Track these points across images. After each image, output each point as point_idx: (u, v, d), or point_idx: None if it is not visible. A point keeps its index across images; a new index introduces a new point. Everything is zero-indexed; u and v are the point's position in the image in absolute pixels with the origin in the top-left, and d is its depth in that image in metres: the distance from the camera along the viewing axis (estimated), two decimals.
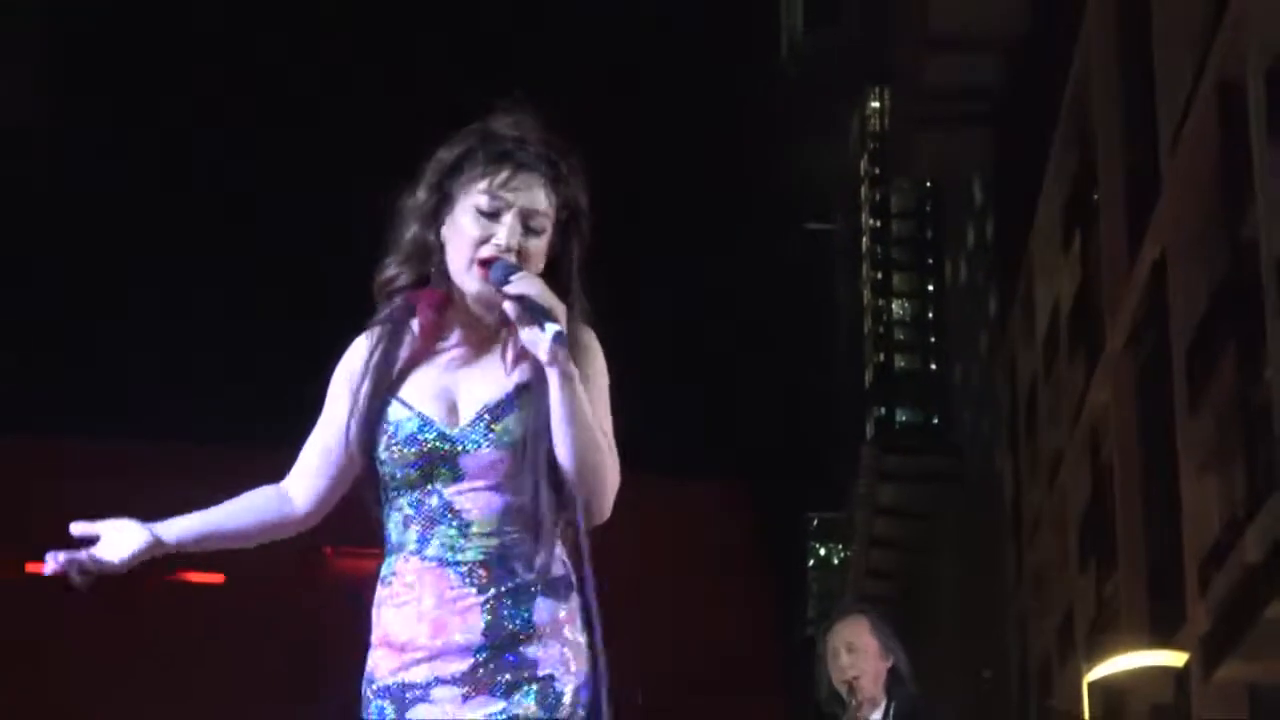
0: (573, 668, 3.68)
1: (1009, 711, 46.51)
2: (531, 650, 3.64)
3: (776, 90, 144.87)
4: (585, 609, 3.65)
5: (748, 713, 13.42)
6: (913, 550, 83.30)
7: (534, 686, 3.62)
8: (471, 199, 3.70)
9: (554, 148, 3.77)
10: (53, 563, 3.49)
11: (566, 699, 3.64)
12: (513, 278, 3.52)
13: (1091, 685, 28.41)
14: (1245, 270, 29.84)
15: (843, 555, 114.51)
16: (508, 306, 3.54)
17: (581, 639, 3.71)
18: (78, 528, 3.53)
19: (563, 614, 3.72)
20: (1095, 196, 41.31)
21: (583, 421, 3.58)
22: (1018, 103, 50.23)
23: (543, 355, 3.49)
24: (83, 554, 3.49)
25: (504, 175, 3.69)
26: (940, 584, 65.93)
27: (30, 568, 15.19)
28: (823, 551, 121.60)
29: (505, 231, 3.64)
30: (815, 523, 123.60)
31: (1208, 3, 32.43)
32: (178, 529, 3.66)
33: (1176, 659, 30.54)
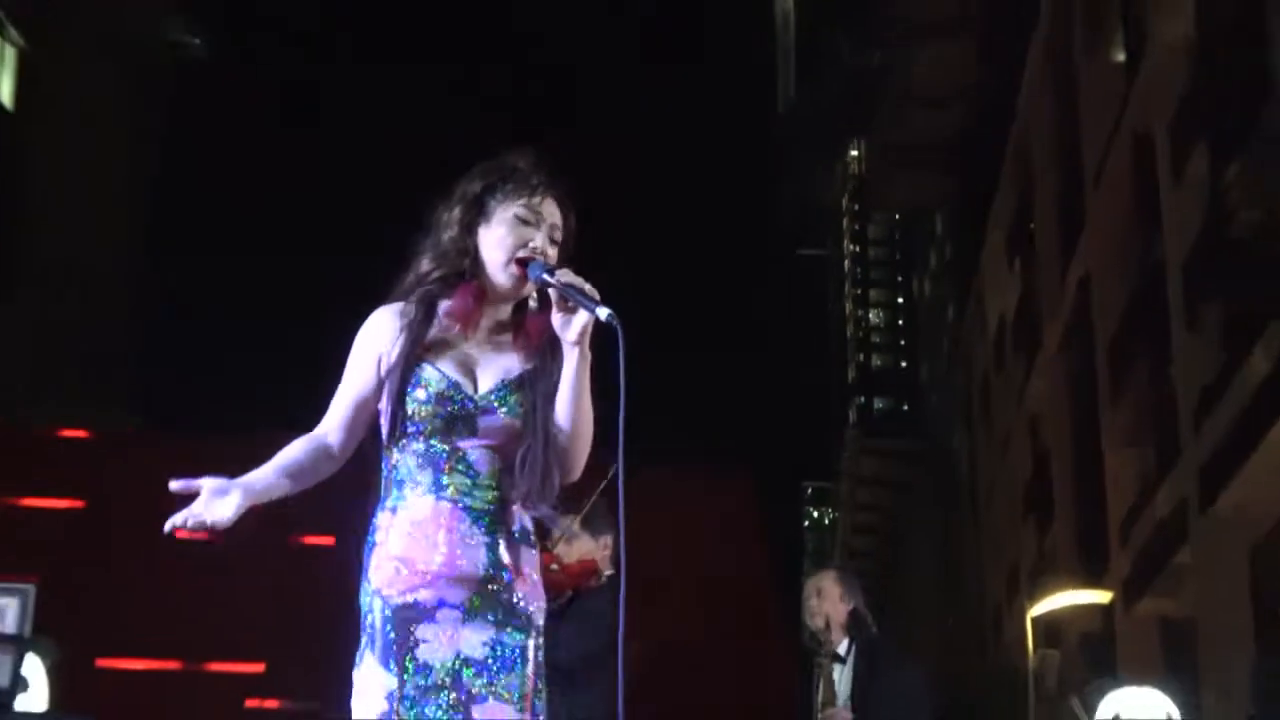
0: (540, 604, 3.84)
1: (969, 642, 46.27)
2: (518, 588, 3.75)
3: (775, 141, 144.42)
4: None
5: (755, 650, 13.36)
6: (889, 513, 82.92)
7: (517, 619, 3.74)
8: (510, 211, 3.84)
9: (566, 186, 3.94)
10: (181, 522, 3.48)
11: (537, 626, 3.81)
12: (556, 272, 3.67)
13: (1034, 619, 28.30)
14: (1154, 286, 30.02)
15: (832, 517, 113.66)
16: (553, 293, 3.66)
17: (539, 579, 3.86)
18: (176, 485, 3.50)
19: (534, 559, 3.87)
20: (1032, 226, 41.32)
21: (588, 396, 3.76)
22: (970, 152, 50.01)
23: (572, 336, 3.64)
24: (198, 513, 3.47)
25: (539, 198, 3.86)
26: (913, 540, 65.59)
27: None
28: (816, 514, 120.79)
29: (541, 238, 3.81)
30: (810, 491, 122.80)
31: (1124, 69, 32.46)
32: (255, 483, 3.62)
33: (1102, 597, 30.66)
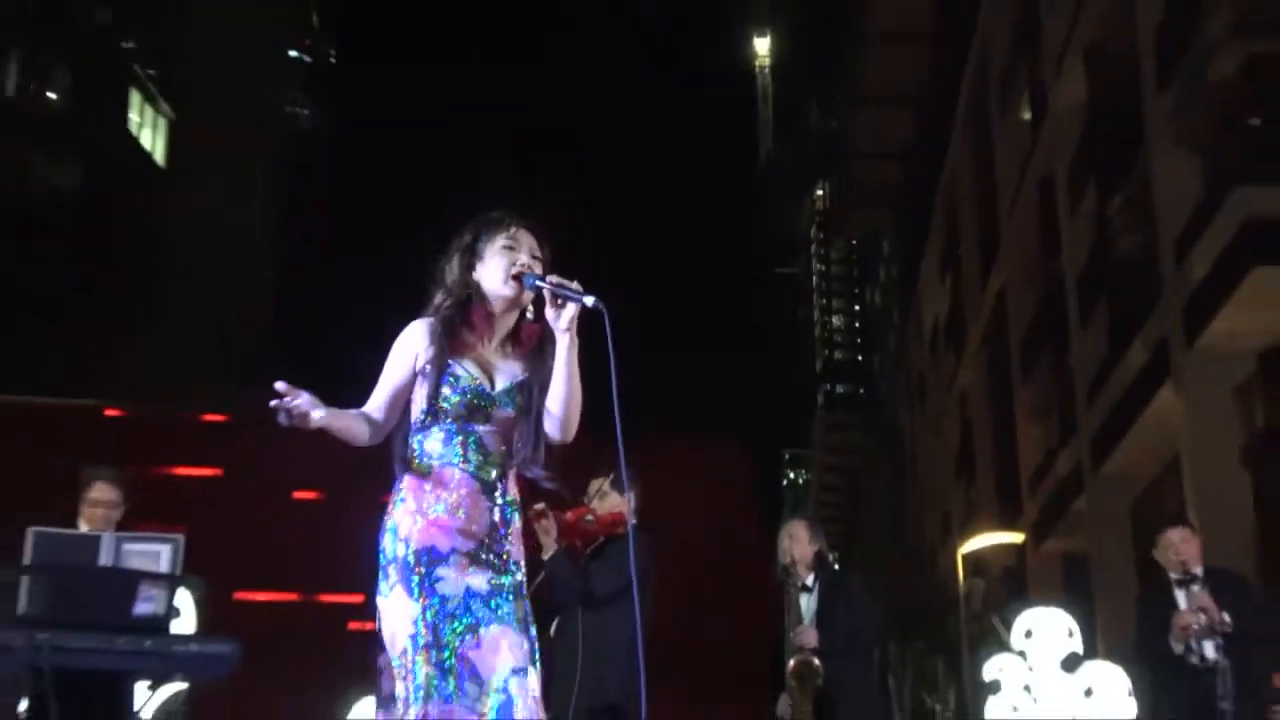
0: (523, 554, 3.99)
1: (913, 574, 46.11)
2: (510, 545, 3.91)
3: (757, 185, 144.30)
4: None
5: (744, 582, 13.34)
6: (850, 475, 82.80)
7: (510, 564, 3.89)
8: (498, 243, 3.97)
9: (537, 221, 4.07)
10: (287, 393, 3.58)
11: (523, 569, 3.96)
12: (545, 278, 3.84)
13: (964, 556, 28.16)
14: (1055, 296, 29.92)
15: (805, 478, 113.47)
16: (546, 294, 3.80)
17: (521, 535, 4.01)
18: (281, 385, 3.58)
19: (519, 521, 4.00)
20: (959, 250, 41.15)
21: (577, 375, 3.88)
22: (909, 193, 49.90)
23: (564, 324, 3.79)
24: (301, 403, 3.57)
25: (514, 229, 4.01)
26: (868, 496, 65.34)
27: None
28: (792, 476, 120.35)
29: (524, 256, 3.94)
30: (787, 457, 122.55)
31: (1029, 126, 32.35)
32: (331, 416, 3.68)
33: (1016, 538, 30.53)
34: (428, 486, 3.81)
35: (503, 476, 3.90)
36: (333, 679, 8.55)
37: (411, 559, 3.73)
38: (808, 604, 6.97)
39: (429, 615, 3.67)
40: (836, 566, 7.28)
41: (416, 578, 3.71)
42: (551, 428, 3.89)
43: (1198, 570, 6.96)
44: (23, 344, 48.75)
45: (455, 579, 3.73)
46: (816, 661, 6.74)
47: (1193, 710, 6.80)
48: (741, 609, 12.35)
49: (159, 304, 57.31)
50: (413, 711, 3.61)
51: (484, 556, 3.80)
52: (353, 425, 3.77)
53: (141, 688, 6.15)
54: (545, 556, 6.33)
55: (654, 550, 6.46)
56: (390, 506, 3.86)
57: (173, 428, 18.86)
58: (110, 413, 20.30)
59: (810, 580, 7.01)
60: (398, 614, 3.72)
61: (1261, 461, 21.83)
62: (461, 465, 3.83)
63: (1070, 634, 9.22)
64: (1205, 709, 6.76)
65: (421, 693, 3.61)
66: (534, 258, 3.93)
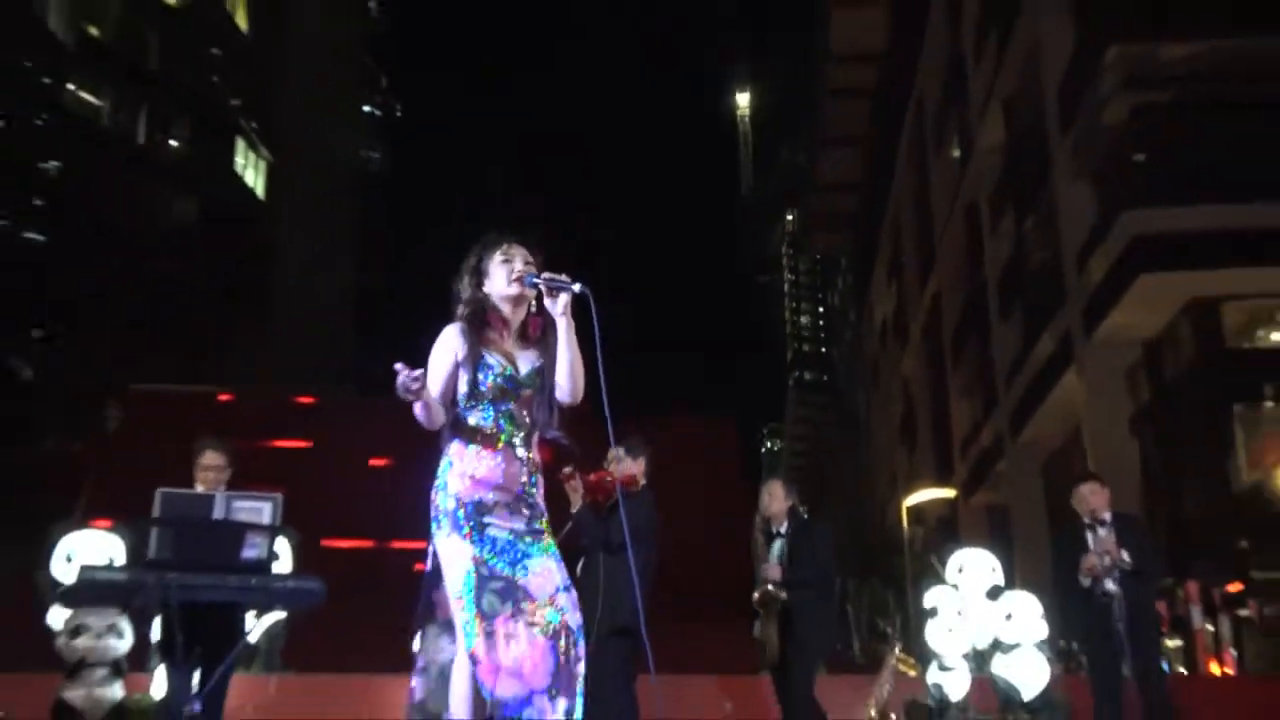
0: (543, 506, 3.99)
1: (867, 523, 46.09)
2: (538, 494, 3.97)
3: (739, 211, 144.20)
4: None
5: (732, 529, 13.32)
6: (816, 444, 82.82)
7: (540, 511, 3.94)
8: (496, 259, 4.02)
9: (525, 238, 4.05)
10: (402, 373, 3.63)
11: (547, 520, 3.95)
12: (540, 276, 3.91)
13: (908, 508, 28.10)
14: (979, 297, 29.89)
15: (780, 446, 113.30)
16: (543, 288, 3.90)
17: (542, 489, 4.03)
18: (400, 365, 3.64)
19: (541, 478, 4.02)
20: (902, 261, 41.05)
21: (576, 348, 3.93)
22: (863, 218, 49.89)
23: (559, 310, 3.88)
24: (415, 377, 3.64)
25: (507, 245, 4.02)
26: (830, 461, 65.29)
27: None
28: (770, 444, 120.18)
29: (519, 263, 3.98)
30: (765, 430, 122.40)
31: (959, 163, 32.26)
32: (427, 395, 3.76)
33: (949, 494, 30.52)
34: (471, 452, 3.86)
35: (529, 441, 3.95)
36: (403, 611, 8.51)
37: (461, 512, 3.78)
38: (780, 546, 6.99)
39: (484, 554, 3.73)
40: (805, 517, 7.26)
41: (468, 526, 3.75)
42: (562, 395, 3.94)
43: (1105, 516, 6.96)
44: (155, 344, 48.86)
45: (501, 525, 3.79)
46: (776, 591, 6.77)
47: (1095, 631, 6.81)
48: (730, 549, 12.34)
49: (260, 310, 57.39)
50: (479, 633, 3.64)
51: (520, 506, 3.85)
52: (435, 405, 3.82)
53: (249, 617, 6.17)
54: (573, 510, 6.37)
55: (656, 504, 6.51)
56: (440, 470, 3.90)
57: (272, 409, 18.88)
58: (223, 397, 20.36)
59: (784, 528, 7.04)
60: (454, 556, 3.75)
61: (1146, 431, 21.83)
62: (497, 434, 3.88)
63: (993, 570, 9.21)
64: (1104, 631, 6.77)
65: (480, 617, 3.66)
66: (526, 264, 3.97)
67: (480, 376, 3.90)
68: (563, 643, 3.69)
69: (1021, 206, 26.15)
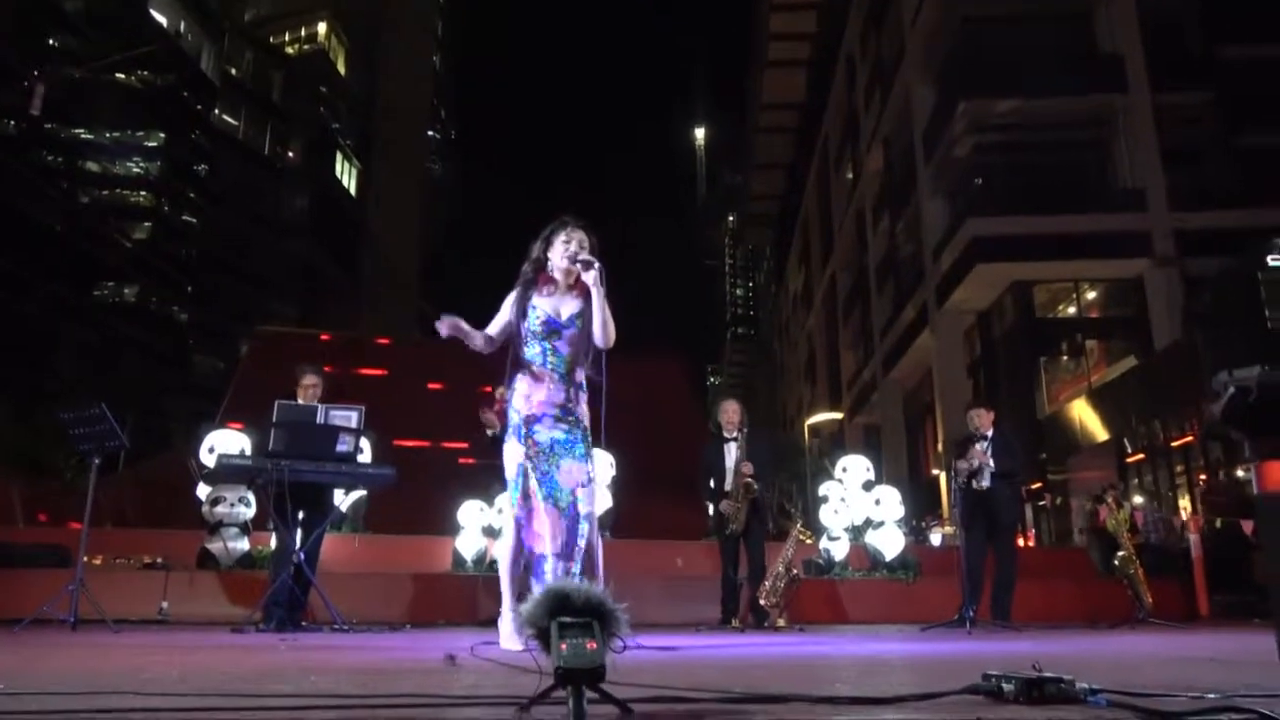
0: (588, 419, 3.87)
1: (782, 434, 46.28)
2: (579, 409, 3.83)
3: (696, 211, 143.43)
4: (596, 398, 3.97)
5: (684, 443, 13.34)
6: (744, 379, 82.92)
7: (579, 422, 3.82)
8: (562, 235, 3.89)
9: (587, 227, 3.92)
10: (444, 322, 3.65)
11: (587, 427, 3.83)
12: (581, 258, 3.78)
13: (809, 425, 28.21)
14: (863, 279, 29.91)
15: (719, 381, 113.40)
16: (581, 267, 3.77)
17: (587, 405, 3.91)
18: (439, 323, 3.65)
19: (584, 397, 3.88)
20: (809, 251, 40.96)
21: (607, 310, 3.77)
22: (782, 220, 49.67)
23: (592, 282, 3.75)
24: (453, 327, 3.65)
25: (571, 229, 3.89)
26: (755, 392, 65.24)
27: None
28: (713, 380, 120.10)
29: (574, 245, 3.86)
30: (710, 369, 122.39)
31: (851, 180, 32.08)
32: (472, 333, 3.74)
33: (838, 416, 30.63)
34: (529, 378, 3.79)
35: (571, 369, 3.82)
36: (450, 492, 8.47)
37: (522, 424, 3.75)
38: (733, 450, 6.91)
39: (530, 452, 3.70)
40: (748, 428, 7.21)
41: (523, 432, 3.73)
42: (597, 340, 3.79)
43: (987, 433, 6.96)
44: (277, 298, 48.56)
45: (545, 432, 3.72)
46: (751, 481, 6.74)
47: (978, 514, 6.86)
48: (681, 452, 12.33)
49: (352, 277, 57.16)
50: (522, 508, 3.70)
51: (564, 418, 3.76)
52: (477, 338, 3.76)
53: (339, 493, 6.14)
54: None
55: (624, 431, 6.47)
56: (509, 391, 3.84)
57: (359, 347, 18.69)
58: (324, 337, 20.18)
59: (736, 435, 6.97)
60: (512, 455, 3.76)
61: (977, 374, 21.96)
62: (549, 364, 3.79)
63: (867, 470, 9.24)
64: (985, 513, 6.85)
65: (525, 497, 3.70)
66: (581, 246, 3.85)
67: (529, 318, 3.81)
68: (573, 523, 3.65)
69: (895, 214, 26.10)
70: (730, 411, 7.09)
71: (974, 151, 20.95)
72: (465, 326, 3.72)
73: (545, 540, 3.62)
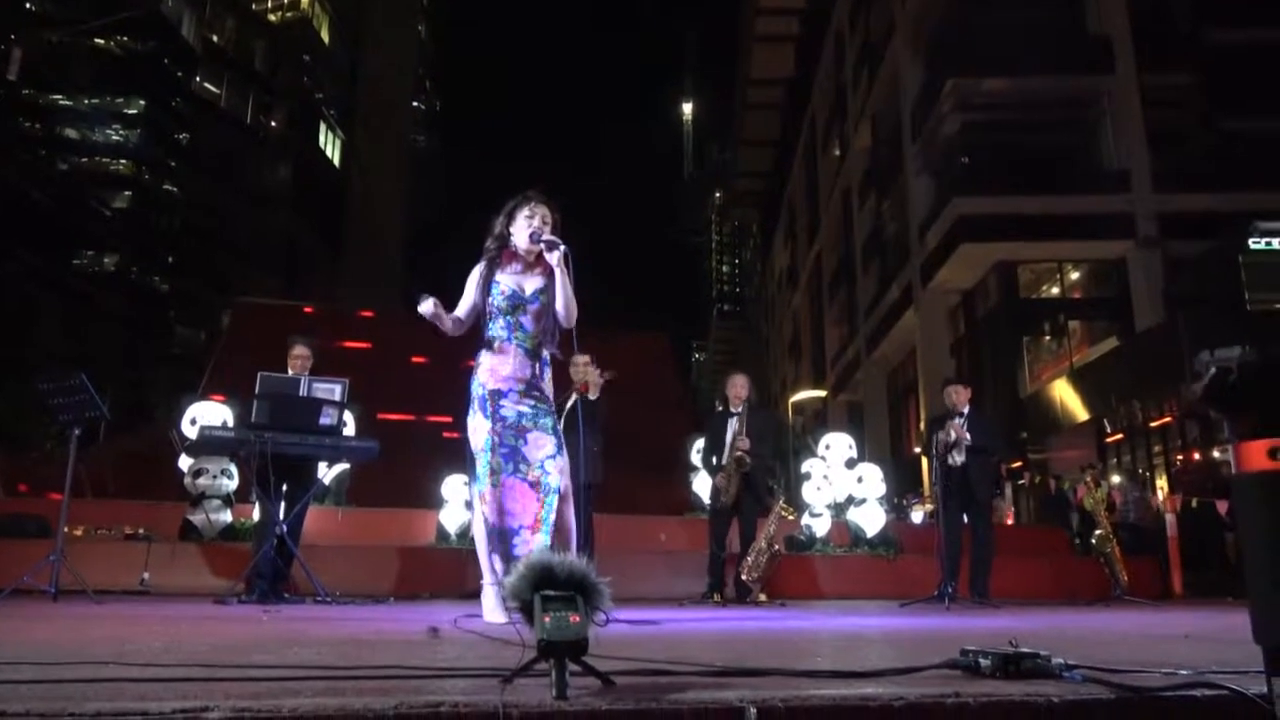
0: (552, 393, 3.90)
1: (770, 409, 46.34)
2: (544, 384, 3.85)
3: (682, 187, 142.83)
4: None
5: (668, 420, 13.37)
6: (730, 356, 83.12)
7: (545, 398, 3.84)
8: (525, 211, 3.87)
9: (550, 201, 3.90)
10: (428, 304, 3.70)
11: (552, 402, 3.86)
12: (544, 237, 3.77)
13: (793, 403, 28.34)
14: (849, 258, 29.95)
15: (703, 358, 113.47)
16: (544, 246, 3.76)
17: (552, 381, 3.93)
18: (421, 305, 3.70)
19: (549, 373, 3.90)
20: (795, 229, 40.89)
21: (569, 292, 3.75)
22: (769, 196, 49.53)
23: (554, 261, 3.74)
24: (434, 311, 3.71)
25: (535, 204, 3.87)
26: (740, 369, 65.45)
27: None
28: (698, 356, 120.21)
29: (537, 221, 3.85)
30: (694, 345, 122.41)
31: (839, 159, 32.01)
32: (442, 315, 3.77)
33: (822, 393, 30.73)
34: (495, 353, 3.78)
35: (537, 345, 3.82)
36: (434, 465, 8.47)
37: (487, 397, 3.73)
38: (736, 423, 6.91)
39: (497, 427, 3.69)
40: (754, 402, 7.20)
41: (490, 408, 3.71)
42: (560, 320, 3.78)
43: (964, 410, 7.00)
44: (258, 269, 48.19)
45: (512, 407, 3.72)
46: (745, 456, 6.75)
47: (953, 488, 6.90)
48: (666, 427, 12.36)
49: (335, 248, 56.82)
50: (488, 482, 3.67)
51: (530, 393, 3.76)
52: (448, 321, 3.77)
53: (322, 466, 6.13)
54: (592, 398, 6.23)
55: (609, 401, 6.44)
56: (475, 366, 3.82)
57: (342, 320, 18.61)
58: (307, 310, 20.07)
59: (740, 409, 6.97)
60: (478, 429, 3.74)
61: (961, 353, 22.06)
62: (514, 340, 3.79)
63: (850, 447, 9.29)
64: (961, 487, 6.91)
65: (491, 471, 3.66)
66: (543, 222, 3.84)
67: (491, 295, 3.81)
68: (543, 495, 3.65)
69: (881, 193, 26.10)
70: (737, 385, 7.10)
71: (961, 130, 20.94)
72: (441, 311, 3.75)
73: (513, 514, 3.62)
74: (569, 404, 5.78)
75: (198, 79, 47.98)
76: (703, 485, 9.18)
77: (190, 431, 7.62)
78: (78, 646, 2.38)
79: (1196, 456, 14.52)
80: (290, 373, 5.95)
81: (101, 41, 42.31)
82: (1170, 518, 9.74)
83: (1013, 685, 1.72)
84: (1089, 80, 19.64)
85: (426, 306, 3.68)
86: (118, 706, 1.36)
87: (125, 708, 1.36)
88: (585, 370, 6.32)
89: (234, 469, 7.50)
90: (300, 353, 6.05)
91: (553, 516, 3.66)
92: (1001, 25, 20.27)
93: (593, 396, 6.23)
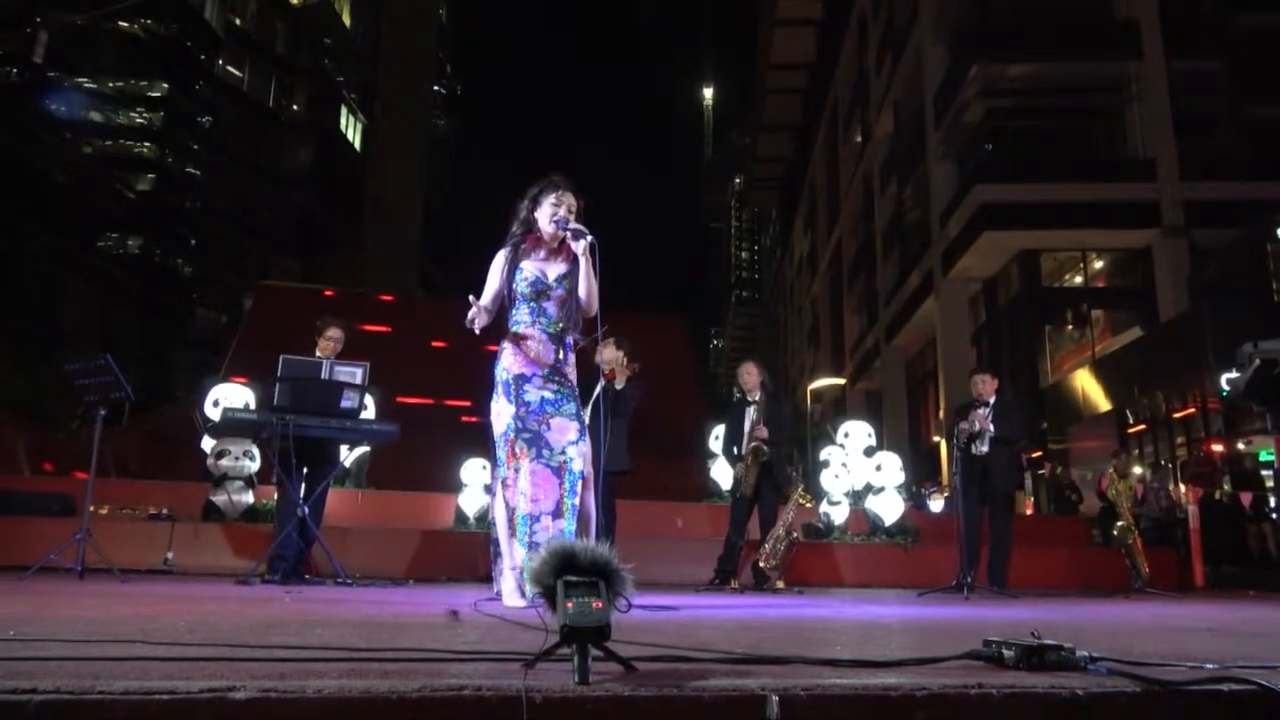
0: (575, 376, 3.87)
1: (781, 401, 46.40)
2: (567, 369, 3.82)
3: (703, 172, 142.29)
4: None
5: (686, 407, 13.33)
6: (748, 342, 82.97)
7: (569, 382, 3.81)
8: (549, 198, 3.85)
9: (575, 189, 3.89)
10: (470, 312, 3.66)
11: (575, 386, 3.83)
12: (570, 224, 3.78)
13: (811, 390, 28.27)
14: (869, 243, 29.69)
15: (722, 344, 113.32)
16: (569, 233, 3.78)
17: (575, 365, 3.91)
18: (474, 299, 3.72)
19: (572, 358, 3.89)
20: (815, 215, 40.74)
21: (593, 281, 3.78)
22: (789, 182, 49.32)
23: (579, 250, 3.76)
24: (473, 313, 3.65)
25: (562, 192, 3.86)
26: (758, 356, 65.45)
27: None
28: (716, 343, 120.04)
29: (564, 209, 3.84)
30: (713, 332, 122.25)
31: (860, 145, 31.81)
32: (484, 316, 3.73)
33: (841, 381, 30.68)
34: (519, 339, 3.77)
35: (561, 330, 3.80)
36: (453, 449, 8.51)
37: (511, 382, 3.72)
38: (753, 412, 6.91)
39: (521, 413, 3.67)
40: (770, 389, 7.19)
41: (513, 392, 3.70)
42: (582, 306, 3.78)
43: (990, 399, 6.96)
44: (278, 251, 48.45)
45: (535, 392, 3.69)
46: (763, 445, 6.75)
47: (973, 477, 6.87)
48: (686, 414, 12.35)
49: (355, 231, 56.98)
50: (510, 467, 3.66)
51: (553, 378, 3.74)
52: (483, 315, 3.71)
53: (343, 449, 6.16)
54: (618, 387, 6.19)
55: (639, 386, 6.41)
56: (499, 351, 3.81)
57: (363, 303, 18.67)
58: (327, 293, 20.14)
59: (756, 397, 6.96)
60: (502, 413, 3.74)
61: (982, 342, 21.93)
62: (537, 325, 3.77)
63: (869, 435, 9.27)
64: (981, 476, 6.87)
65: (515, 457, 3.65)
66: (569, 210, 3.82)
67: (515, 281, 3.79)
68: (566, 481, 3.63)
69: (902, 179, 25.92)
70: (748, 373, 7.09)
71: (985, 116, 20.76)
72: (478, 309, 3.72)
73: (536, 500, 3.60)
74: (595, 392, 5.77)
75: (220, 62, 48.18)
76: (720, 472, 9.18)
77: (213, 413, 7.68)
78: (105, 625, 2.40)
79: (1219, 448, 14.39)
80: (321, 354, 6.00)
81: (125, 25, 42.52)
82: (1192, 509, 9.67)
83: (1036, 677, 1.71)
84: (1115, 66, 19.41)
85: (470, 314, 3.66)
86: (146, 685, 1.37)
87: (153, 686, 1.37)
88: (614, 359, 6.31)
89: (256, 451, 7.56)
90: (334, 334, 6.09)
91: (575, 502, 3.64)
92: (1027, 10, 20.06)
93: (619, 385, 6.21)
